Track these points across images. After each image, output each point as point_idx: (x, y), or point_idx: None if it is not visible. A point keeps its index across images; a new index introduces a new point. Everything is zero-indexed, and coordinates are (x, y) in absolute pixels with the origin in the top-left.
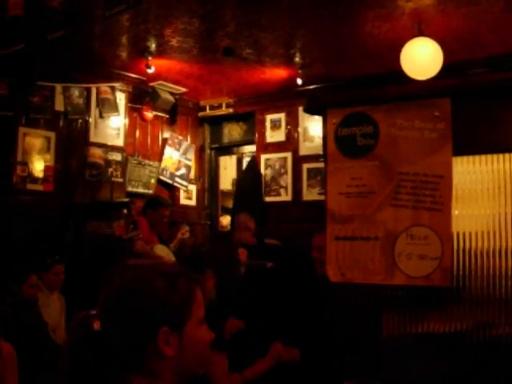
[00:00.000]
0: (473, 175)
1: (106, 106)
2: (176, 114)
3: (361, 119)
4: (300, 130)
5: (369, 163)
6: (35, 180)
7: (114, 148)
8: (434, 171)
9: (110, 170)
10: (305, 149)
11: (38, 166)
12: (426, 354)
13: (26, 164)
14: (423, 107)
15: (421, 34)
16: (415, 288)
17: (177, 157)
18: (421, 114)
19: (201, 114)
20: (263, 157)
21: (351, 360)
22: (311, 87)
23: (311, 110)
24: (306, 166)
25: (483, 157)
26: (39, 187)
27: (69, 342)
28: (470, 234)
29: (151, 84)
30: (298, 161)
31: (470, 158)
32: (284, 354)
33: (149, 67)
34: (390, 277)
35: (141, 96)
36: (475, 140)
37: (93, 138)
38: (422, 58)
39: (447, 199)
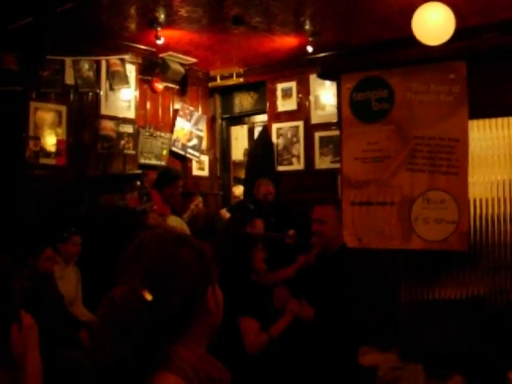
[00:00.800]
0: (489, 141)
1: (116, 78)
2: (186, 84)
3: (376, 83)
4: (311, 98)
5: (384, 128)
6: (48, 154)
7: (125, 120)
8: (449, 135)
9: (122, 142)
10: (316, 117)
11: (50, 140)
12: (444, 319)
13: (38, 138)
14: (439, 70)
15: None
16: (432, 253)
17: (188, 128)
18: (436, 78)
19: (211, 84)
20: (275, 126)
21: (370, 325)
22: (322, 55)
23: (325, 76)
24: (317, 135)
25: (499, 120)
26: (52, 161)
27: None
28: (487, 200)
29: (161, 55)
30: (310, 129)
31: (487, 121)
32: (299, 309)
33: (158, 38)
34: (406, 241)
35: (151, 67)
36: (489, 103)
37: (104, 111)
38: (433, 23)
39: (463, 163)
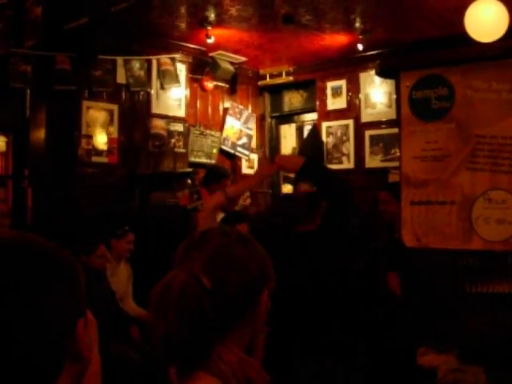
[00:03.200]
0: None
1: (167, 77)
2: (236, 83)
3: (435, 82)
4: (361, 96)
5: (444, 126)
6: (100, 152)
7: (175, 119)
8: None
9: (173, 140)
10: (367, 115)
11: (102, 139)
12: (505, 321)
13: (90, 137)
14: (500, 68)
15: None
16: (492, 253)
17: (238, 126)
18: (498, 75)
19: (261, 82)
20: (324, 124)
21: (426, 327)
22: (372, 53)
23: (383, 74)
24: (368, 133)
25: None
26: (104, 159)
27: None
28: None
29: (211, 54)
30: (360, 128)
31: None
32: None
33: (208, 37)
34: (467, 241)
35: (201, 66)
36: None
37: (155, 110)
38: (486, 19)
39: None
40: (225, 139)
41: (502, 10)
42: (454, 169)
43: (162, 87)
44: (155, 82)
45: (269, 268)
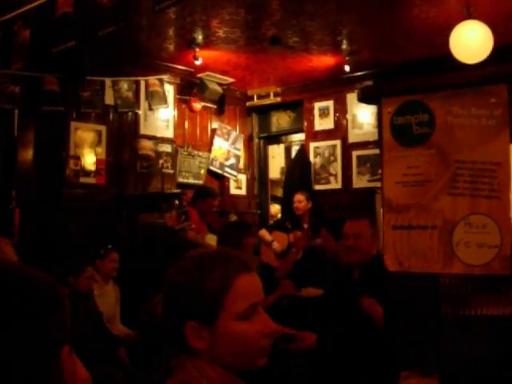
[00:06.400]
0: None
1: (155, 98)
2: (224, 104)
3: (416, 107)
4: (349, 117)
5: (425, 152)
6: (88, 173)
7: (163, 140)
8: (491, 159)
9: (161, 161)
10: (354, 136)
11: (90, 160)
12: (486, 343)
13: (78, 158)
14: (479, 94)
15: (470, 17)
16: (474, 276)
17: (226, 147)
18: (477, 101)
19: (249, 103)
20: (312, 145)
21: (408, 349)
22: (359, 74)
23: (366, 100)
24: (355, 154)
25: None
26: (92, 180)
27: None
28: None
29: (199, 75)
30: (348, 148)
31: None
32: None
33: (196, 59)
34: (448, 266)
35: (189, 87)
36: None
37: (143, 131)
38: (471, 41)
39: (505, 187)
40: (213, 160)
41: (487, 32)
42: (434, 194)
43: (150, 108)
44: (143, 103)
45: (201, 297)
